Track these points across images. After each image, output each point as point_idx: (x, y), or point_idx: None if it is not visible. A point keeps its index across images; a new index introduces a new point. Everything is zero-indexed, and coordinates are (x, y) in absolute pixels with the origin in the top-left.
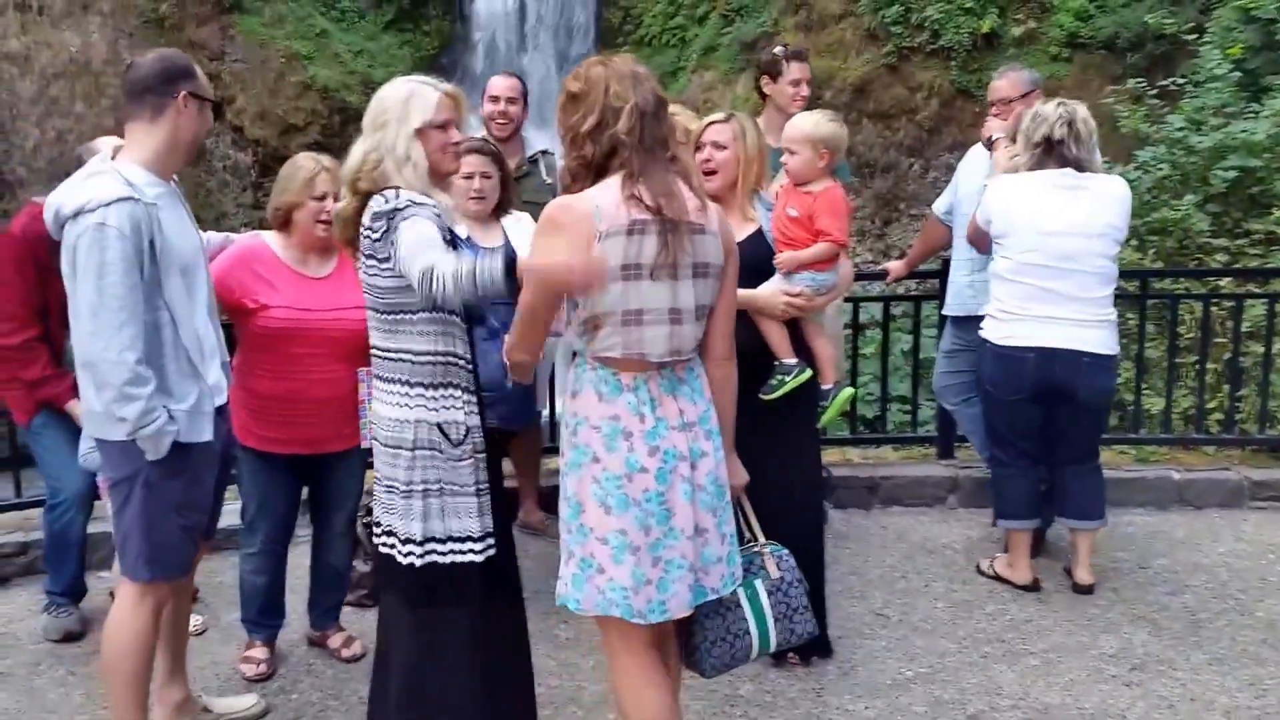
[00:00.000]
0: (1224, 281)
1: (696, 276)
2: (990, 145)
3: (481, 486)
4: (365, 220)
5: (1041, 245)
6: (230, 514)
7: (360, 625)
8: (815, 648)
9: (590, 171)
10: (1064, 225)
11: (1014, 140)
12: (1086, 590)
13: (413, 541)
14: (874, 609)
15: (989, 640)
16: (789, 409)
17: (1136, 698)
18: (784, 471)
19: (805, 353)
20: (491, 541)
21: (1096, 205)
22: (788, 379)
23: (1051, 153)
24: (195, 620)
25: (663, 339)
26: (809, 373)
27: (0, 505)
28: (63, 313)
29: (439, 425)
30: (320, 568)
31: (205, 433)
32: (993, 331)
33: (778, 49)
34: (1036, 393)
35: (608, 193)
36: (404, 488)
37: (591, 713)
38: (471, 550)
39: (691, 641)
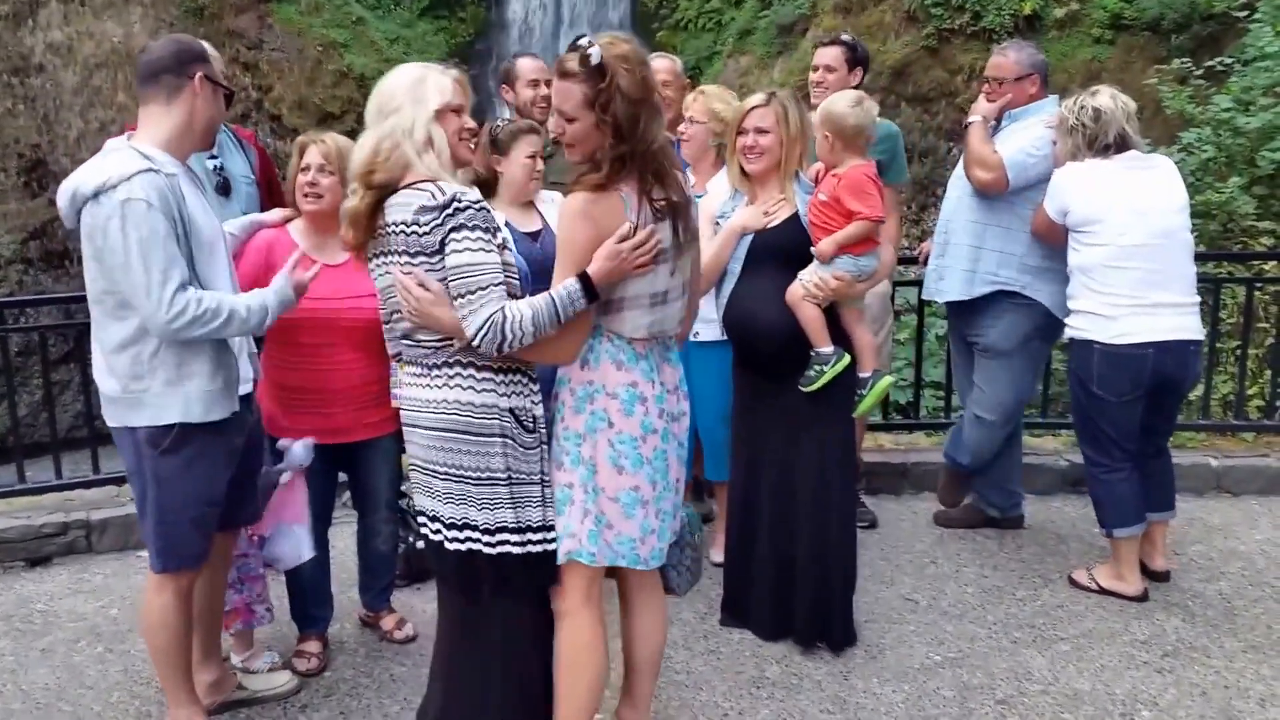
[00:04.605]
0: (1269, 265)
1: (688, 248)
2: (965, 128)
3: (545, 477)
4: (406, 216)
5: (1139, 224)
6: None
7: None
8: (841, 634)
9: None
10: (1155, 203)
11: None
12: (1164, 577)
13: (489, 531)
14: (903, 594)
15: (1019, 626)
16: (825, 396)
17: (1168, 684)
18: (819, 458)
19: (844, 340)
20: (553, 535)
21: (1171, 181)
22: (826, 368)
23: (1123, 145)
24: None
25: (677, 314)
26: (847, 359)
27: (41, 487)
28: None
29: (511, 410)
30: (366, 552)
31: (217, 412)
32: (1100, 330)
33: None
34: (1149, 389)
35: (629, 182)
36: (475, 475)
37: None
38: (537, 541)
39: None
